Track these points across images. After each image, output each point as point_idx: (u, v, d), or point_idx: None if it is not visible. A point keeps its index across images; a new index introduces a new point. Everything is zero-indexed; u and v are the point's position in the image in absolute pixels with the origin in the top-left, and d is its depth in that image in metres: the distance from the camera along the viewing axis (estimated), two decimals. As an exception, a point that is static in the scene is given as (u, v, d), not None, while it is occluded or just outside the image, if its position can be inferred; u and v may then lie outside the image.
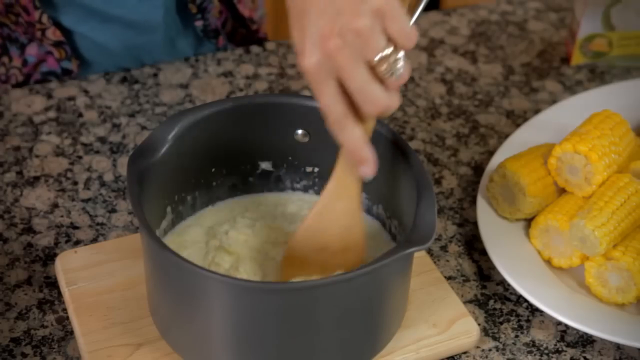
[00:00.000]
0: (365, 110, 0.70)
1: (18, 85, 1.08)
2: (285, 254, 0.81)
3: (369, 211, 0.87)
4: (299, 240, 0.79)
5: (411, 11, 0.81)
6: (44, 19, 1.04)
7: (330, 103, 0.70)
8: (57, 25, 1.06)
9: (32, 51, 1.07)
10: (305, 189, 0.89)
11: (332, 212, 0.78)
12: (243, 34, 1.17)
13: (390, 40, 0.69)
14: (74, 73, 1.09)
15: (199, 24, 1.12)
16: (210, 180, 0.87)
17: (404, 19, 0.69)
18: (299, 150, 0.87)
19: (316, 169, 0.88)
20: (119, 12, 1.06)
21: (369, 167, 0.72)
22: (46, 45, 1.06)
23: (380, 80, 0.70)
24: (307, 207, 0.87)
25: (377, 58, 0.69)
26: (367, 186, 0.85)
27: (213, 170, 0.86)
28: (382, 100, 0.70)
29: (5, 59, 1.08)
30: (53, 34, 1.05)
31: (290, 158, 0.87)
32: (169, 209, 0.84)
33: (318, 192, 0.88)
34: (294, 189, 0.89)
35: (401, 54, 0.69)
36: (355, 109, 0.71)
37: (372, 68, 0.69)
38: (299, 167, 0.88)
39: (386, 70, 0.69)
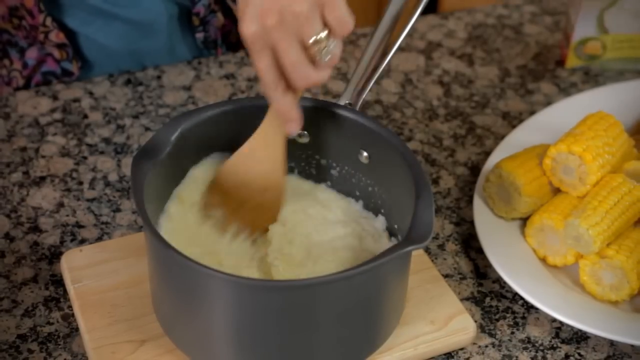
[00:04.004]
0: (293, 84, 0.75)
1: (20, 89, 1.09)
2: (211, 183, 0.84)
3: (371, 210, 0.88)
4: (224, 174, 0.83)
5: (409, 15, 0.83)
6: (48, 22, 1.05)
7: (264, 69, 0.75)
8: (62, 27, 1.07)
9: (32, 54, 1.08)
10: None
11: (256, 157, 0.82)
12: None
13: (326, 26, 0.73)
14: (74, 75, 1.09)
15: (199, 35, 1.13)
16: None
17: (342, 8, 0.73)
18: (298, 151, 0.88)
19: (313, 171, 0.89)
20: (125, 12, 1.07)
21: (294, 126, 0.78)
22: (47, 48, 1.07)
23: (312, 59, 0.74)
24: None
25: (311, 40, 0.73)
26: (370, 186, 0.87)
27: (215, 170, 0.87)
28: (311, 77, 0.75)
29: (6, 62, 1.09)
30: (56, 37, 1.06)
31: (290, 158, 0.88)
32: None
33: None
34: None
35: (333, 39, 0.74)
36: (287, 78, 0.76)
37: (306, 48, 0.73)
38: (299, 168, 0.89)
39: (318, 52, 0.74)
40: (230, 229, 0.83)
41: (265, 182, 0.83)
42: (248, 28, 0.73)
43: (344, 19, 0.73)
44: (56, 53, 1.08)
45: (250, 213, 0.83)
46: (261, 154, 0.82)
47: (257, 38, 0.73)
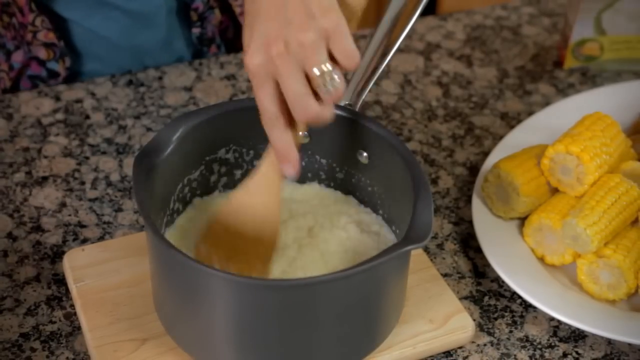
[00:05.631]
0: (295, 116, 0.73)
1: (8, 90, 1.09)
2: (203, 230, 0.83)
3: (370, 209, 0.88)
4: (218, 222, 0.82)
5: (408, 16, 0.83)
6: (38, 22, 1.05)
7: (265, 103, 0.73)
8: (59, 20, 1.07)
9: (17, 58, 1.08)
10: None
11: (252, 203, 0.80)
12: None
13: (332, 59, 0.72)
14: (60, 76, 1.09)
15: (196, 31, 1.13)
16: (213, 180, 0.88)
17: (348, 41, 0.72)
18: (299, 152, 0.88)
19: (314, 171, 0.89)
20: (125, 4, 1.07)
21: (292, 168, 0.75)
22: (34, 49, 1.07)
23: (316, 92, 0.72)
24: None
25: (315, 72, 0.72)
26: (370, 186, 0.87)
27: (216, 170, 0.88)
28: (312, 110, 0.72)
29: None
30: (44, 37, 1.06)
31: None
32: (173, 207, 0.85)
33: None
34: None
35: (338, 72, 0.72)
36: (289, 113, 0.74)
37: (310, 80, 0.72)
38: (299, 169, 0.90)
39: (322, 85, 0.72)
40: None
41: (258, 233, 0.81)
42: (252, 60, 0.72)
43: (350, 52, 0.72)
44: (42, 53, 1.08)
45: (242, 262, 0.81)
46: (257, 200, 0.80)
47: (261, 69, 0.72)
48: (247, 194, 0.80)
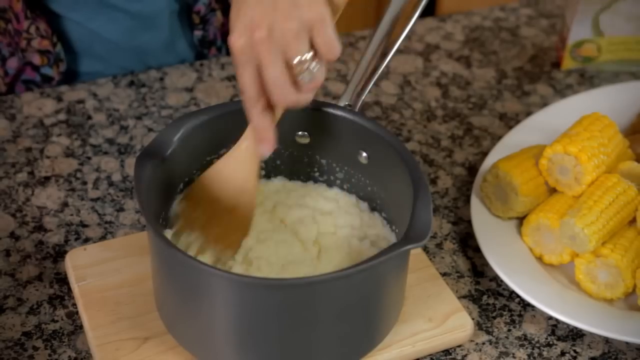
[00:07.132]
0: (273, 101, 0.75)
1: (2, 94, 1.10)
2: (186, 192, 0.84)
3: (370, 209, 0.89)
4: (198, 185, 0.83)
5: (407, 17, 0.83)
6: (32, 29, 1.05)
7: (246, 84, 0.75)
8: (59, 18, 1.07)
9: (12, 64, 1.09)
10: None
11: (230, 171, 0.82)
12: None
13: (313, 48, 0.74)
14: (54, 80, 1.10)
15: (197, 33, 1.14)
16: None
17: (331, 33, 0.74)
18: (299, 151, 0.89)
19: (313, 171, 0.90)
20: (128, 5, 1.07)
21: (267, 148, 0.77)
22: (28, 55, 1.07)
23: (294, 79, 0.74)
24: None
25: (295, 60, 0.73)
26: (370, 186, 0.88)
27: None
28: (289, 97, 0.74)
29: None
30: (39, 45, 1.06)
31: (291, 159, 0.89)
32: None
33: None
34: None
35: (315, 62, 0.74)
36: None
37: (290, 67, 0.73)
38: (299, 167, 0.90)
39: (301, 73, 0.74)
40: (196, 245, 0.82)
41: (234, 201, 0.82)
42: (236, 41, 0.74)
43: (332, 43, 0.74)
44: (37, 59, 1.08)
45: (217, 230, 0.83)
46: (235, 169, 0.82)
47: (243, 51, 0.74)
48: (227, 166, 0.82)
